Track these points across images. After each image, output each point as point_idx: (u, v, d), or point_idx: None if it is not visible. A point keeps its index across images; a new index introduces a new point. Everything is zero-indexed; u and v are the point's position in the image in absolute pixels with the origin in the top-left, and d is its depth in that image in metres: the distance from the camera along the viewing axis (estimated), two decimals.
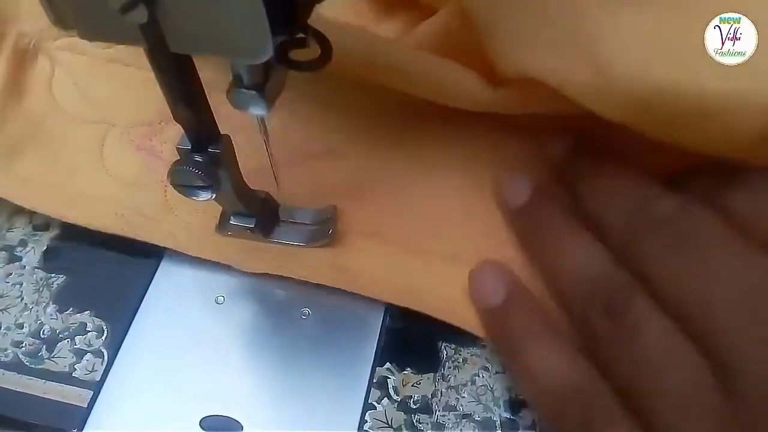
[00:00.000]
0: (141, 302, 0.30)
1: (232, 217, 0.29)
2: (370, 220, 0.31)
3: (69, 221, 0.31)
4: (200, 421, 0.27)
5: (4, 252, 0.32)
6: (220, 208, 0.30)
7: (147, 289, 0.30)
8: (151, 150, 0.33)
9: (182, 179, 0.25)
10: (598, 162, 0.28)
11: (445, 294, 0.29)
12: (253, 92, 0.21)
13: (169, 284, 0.30)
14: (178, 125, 0.24)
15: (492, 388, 0.28)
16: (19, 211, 0.33)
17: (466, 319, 0.28)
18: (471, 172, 0.32)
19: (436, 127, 0.33)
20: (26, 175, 0.32)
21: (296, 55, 0.20)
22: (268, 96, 0.21)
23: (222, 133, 0.25)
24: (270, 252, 0.30)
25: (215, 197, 0.25)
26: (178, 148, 0.24)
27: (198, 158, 0.24)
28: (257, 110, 0.21)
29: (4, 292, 0.31)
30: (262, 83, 0.21)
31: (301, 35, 0.20)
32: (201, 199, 0.25)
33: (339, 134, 0.33)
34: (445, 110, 0.30)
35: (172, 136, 0.33)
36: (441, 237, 0.31)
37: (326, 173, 0.32)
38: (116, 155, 0.33)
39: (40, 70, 0.35)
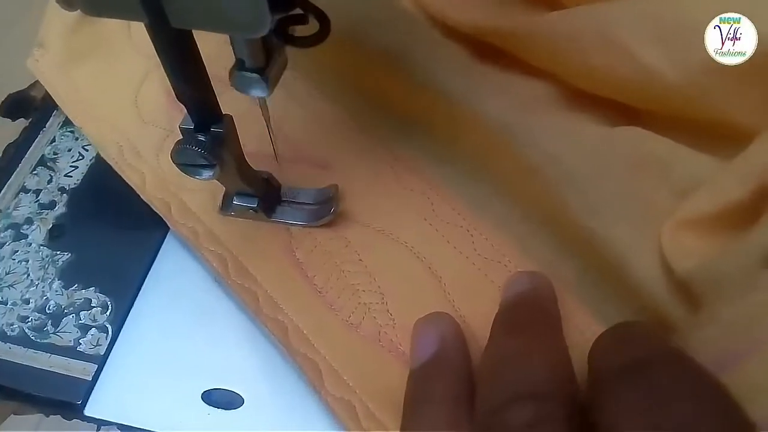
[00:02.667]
0: (145, 278, 0.30)
1: (235, 197, 0.30)
2: None
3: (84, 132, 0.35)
4: (202, 394, 0.27)
5: (10, 230, 0.33)
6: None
7: (151, 265, 0.31)
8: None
9: (185, 158, 0.25)
10: None
11: None
12: (255, 75, 0.21)
13: (172, 261, 0.31)
14: None
15: None
16: (25, 189, 0.33)
17: None
18: None
19: None
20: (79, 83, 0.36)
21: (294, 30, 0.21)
22: (270, 78, 0.22)
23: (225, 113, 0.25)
24: None
25: (218, 177, 0.26)
26: (181, 128, 0.25)
27: (201, 137, 0.24)
28: (258, 92, 0.22)
29: (11, 269, 0.32)
30: (263, 66, 0.21)
31: (299, 11, 0.20)
32: (203, 178, 0.26)
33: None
34: None
35: None
36: None
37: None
38: (149, 95, 0.35)
39: None
